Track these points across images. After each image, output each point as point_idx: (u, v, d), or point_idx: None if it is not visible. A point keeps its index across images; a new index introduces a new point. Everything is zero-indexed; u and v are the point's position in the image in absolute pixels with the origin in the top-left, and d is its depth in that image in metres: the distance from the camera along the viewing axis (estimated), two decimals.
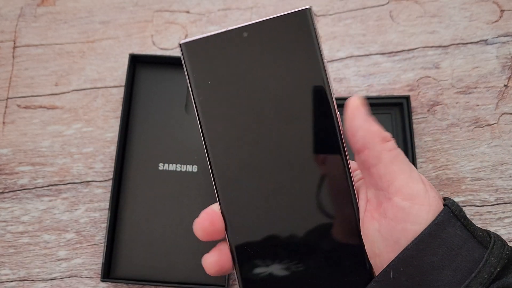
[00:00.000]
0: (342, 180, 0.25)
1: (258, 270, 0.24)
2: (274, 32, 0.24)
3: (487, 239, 0.23)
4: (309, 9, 0.24)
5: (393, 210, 0.23)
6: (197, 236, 0.26)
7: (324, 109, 0.24)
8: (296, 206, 0.24)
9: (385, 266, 0.23)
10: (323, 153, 0.24)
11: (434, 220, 0.22)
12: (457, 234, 0.22)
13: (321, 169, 0.24)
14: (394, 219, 0.23)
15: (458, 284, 0.21)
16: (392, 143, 0.24)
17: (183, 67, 0.24)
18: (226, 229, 0.25)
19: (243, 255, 0.24)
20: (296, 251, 0.24)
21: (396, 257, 0.23)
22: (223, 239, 0.26)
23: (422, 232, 0.22)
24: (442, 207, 0.23)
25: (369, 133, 0.23)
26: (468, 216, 0.36)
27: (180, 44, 0.24)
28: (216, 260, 0.25)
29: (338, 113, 0.25)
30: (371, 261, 0.25)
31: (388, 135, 0.24)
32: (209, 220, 0.25)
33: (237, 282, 0.26)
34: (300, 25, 0.24)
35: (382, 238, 0.23)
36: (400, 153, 0.24)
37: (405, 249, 0.22)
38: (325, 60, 0.24)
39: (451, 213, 0.23)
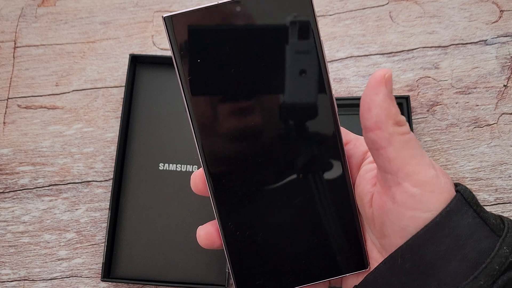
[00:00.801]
0: (336, 162, 0.24)
1: (250, 256, 0.24)
2: (271, 8, 0.23)
3: (501, 226, 0.22)
4: None
5: (402, 196, 0.22)
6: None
7: (319, 88, 0.23)
8: (288, 190, 0.24)
9: (388, 249, 0.23)
10: (316, 135, 0.24)
11: (445, 208, 0.21)
12: (467, 223, 0.21)
13: (313, 152, 0.24)
14: (403, 206, 0.22)
15: (465, 275, 0.21)
16: (405, 128, 0.22)
17: (168, 43, 0.23)
18: (214, 209, 0.24)
19: (235, 241, 0.24)
20: (289, 234, 0.24)
21: (404, 243, 0.22)
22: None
23: (432, 220, 0.21)
24: (454, 193, 0.22)
25: (385, 113, 0.22)
26: None
27: (163, 17, 0.22)
28: (208, 234, 0.25)
29: (333, 94, 0.24)
30: (381, 241, 0.24)
31: (402, 119, 0.22)
32: (200, 179, 0.25)
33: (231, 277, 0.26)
34: (298, 3, 0.22)
35: (389, 222, 0.23)
36: (412, 137, 0.23)
37: (413, 236, 0.22)
38: (321, 41, 0.23)
39: (463, 199, 0.22)
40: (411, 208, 0.22)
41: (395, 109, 0.22)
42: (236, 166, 0.24)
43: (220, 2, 0.22)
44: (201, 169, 0.25)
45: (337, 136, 0.24)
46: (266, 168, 0.24)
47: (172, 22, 0.22)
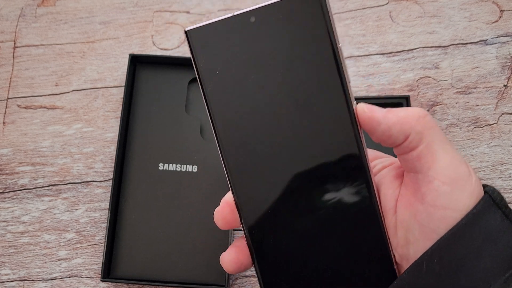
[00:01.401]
0: (360, 170, 0.23)
1: (278, 264, 0.24)
2: (283, 15, 0.22)
3: None
4: None
5: (433, 195, 0.21)
6: (217, 225, 0.25)
7: (338, 97, 0.23)
8: (311, 196, 0.23)
9: (418, 255, 0.22)
10: (338, 143, 0.23)
11: (472, 210, 0.21)
12: (497, 224, 0.21)
13: (337, 161, 0.23)
14: (433, 206, 0.21)
15: (498, 273, 0.20)
16: (431, 118, 0.22)
17: (190, 55, 0.23)
18: (241, 223, 0.24)
19: (262, 249, 0.24)
20: (316, 243, 0.23)
21: (430, 248, 0.21)
22: (241, 236, 0.25)
23: (459, 221, 0.21)
24: (483, 193, 0.21)
25: (402, 120, 0.21)
26: None
27: (185, 31, 0.23)
28: (234, 258, 0.24)
29: (354, 101, 0.23)
30: (403, 250, 0.23)
31: (421, 109, 0.22)
32: (229, 208, 0.24)
33: (256, 279, 0.25)
34: (312, 7, 0.22)
35: (418, 224, 0.22)
36: (440, 130, 0.22)
37: (440, 238, 0.21)
38: (339, 43, 0.23)
39: (492, 201, 0.21)
40: (442, 208, 0.21)
41: (401, 112, 0.22)
42: (265, 186, 0.23)
43: (235, 13, 0.23)
44: (227, 201, 0.24)
45: (361, 145, 0.23)
46: (295, 185, 0.23)
47: (191, 35, 0.23)
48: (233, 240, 0.41)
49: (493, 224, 0.21)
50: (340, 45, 0.23)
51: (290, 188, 0.23)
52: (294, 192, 0.23)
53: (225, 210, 0.24)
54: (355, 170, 0.23)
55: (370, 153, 0.25)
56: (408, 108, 0.22)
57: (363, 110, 0.22)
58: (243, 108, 0.23)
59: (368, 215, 0.23)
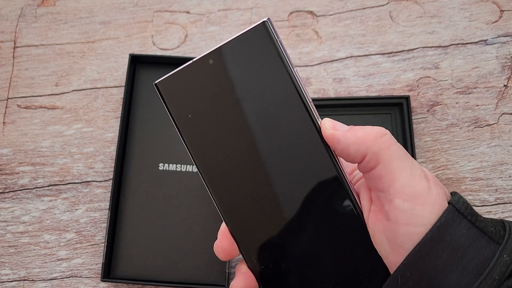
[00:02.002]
0: (338, 183, 0.24)
1: (281, 283, 0.25)
2: (238, 53, 0.24)
3: (501, 233, 0.21)
4: (266, 21, 0.24)
5: (395, 212, 0.22)
6: (219, 257, 0.26)
7: (302, 116, 0.24)
8: (298, 215, 0.24)
9: (393, 268, 0.22)
10: (312, 159, 0.24)
11: (435, 223, 0.21)
12: (462, 234, 0.21)
13: (314, 177, 0.24)
14: (396, 222, 0.22)
15: (469, 283, 0.20)
16: (388, 137, 0.23)
17: (163, 105, 0.25)
18: (241, 252, 0.25)
19: (263, 272, 0.25)
20: (311, 260, 0.24)
21: (401, 263, 0.22)
22: (241, 261, 0.26)
23: (424, 236, 0.21)
24: (447, 205, 0.22)
25: (359, 141, 0.22)
26: None
27: (155, 84, 0.25)
28: (244, 285, 0.25)
29: (317, 115, 0.24)
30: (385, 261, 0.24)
31: (379, 129, 0.23)
32: (227, 240, 0.25)
33: None
34: (261, 40, 0.24)
35: (387, 240, 0.23)
36: (398, 148, 0.22)
37: (409, 254, 0.21)
38: (294, 68, 0.24)
39: (456, 211, 0.21)
40: (404, 224, 0.21)
41: (360, 130, 0.23)
42: (255, 213, 0.25)
43: (194, 59, 0.25)
44: (223, 232, 0.25)
45: (334, 158, 0.24)
46: (282, 207, 0.25)
47: (160, 87, 0.25)
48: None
49: (458, 234, 0.21)
50: (295, 68, 0.24)
51: (279, 210, 0.24)
52: (283, 213, 0.24)
53: (224, 243, 0.25)
54: (334, 184, 0.24)
55: (348, 164, 0.26)
56: (367, 127, 0.23)
57: (325, 127, 0.24)
58: (221, 143, 0.25)
59: (354, 224, 0.24)
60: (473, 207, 0.43)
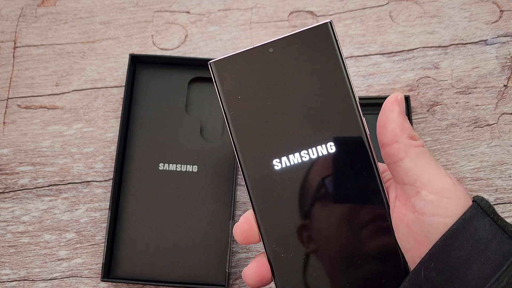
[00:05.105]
0: (372, 179, 0.25)
1: (296, 277, 0.25)
2: (299, 46, 0.25)
3: None
4: (330, 22, 0.25)
5: (421, 203, 0.23)
6: (236, 240, 0.26)
7: (350, 118, 0.25)
8: (327, 208, 0.25)
9: (416, 261, 0.23)
10: (352, 156, 0.25)
11: (462, 216, 0.22)
12: (485, 229, 0.22)
13: (351, 172, 0.25)
14: (423, 213, 0.23)
15: (488, 277, 0.21)
16: (420, 141, 0.24)
17: (214, 85, 0.25)
18: (262, 238, 0.25)
19: (281, 263, 0.25)
20: (331, 254, 0.25)
21: (426, 254, 0.22)
22: (261, 252, 0.26)
23: (450, 227, 0.22)
24: (471, 202, 0.23)
25: (400, 127, 0.24)
26: None
27: (209, 63, 0.25)
28: (256, 272, 0.25)
29: (363, 119, 0.25)
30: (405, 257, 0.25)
31: (416, 134, 0.24)
32: (248, 224, 0.26)
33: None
34: (323, 39, 0.25)
35: (412, 233, 0.23)
36: (426, 150, 0.24)
37: (434, 245, 0.22)
38: (349, 72, 0.25)
39: (480, 208, 0.22)
40: (431, 214, 0.23)
41: (409, 125, 0.24)
42: (284, 202, 0.25)
43: (255, 45, 0.25)
44: (246, 217, 0.26)
45: (373, 156, 0.25)
46: (313, 201, 0.25)
47: (215, 66, 0.25)
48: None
49: (481, 229, 0.22)
50: (349, 70, 0.25)
51: (308, 204, 0.25)
52: (312, 207, 0.25)
53: (244, 226, 0.26)
54: (369, 183, 0.25)
55: (381, 166, 0.27)
56: (410, 127, 0.25)
57: (393, 97, 0.25)
58: (264, 130, 0.25)
59: (381, 224, 0.25)
60: None
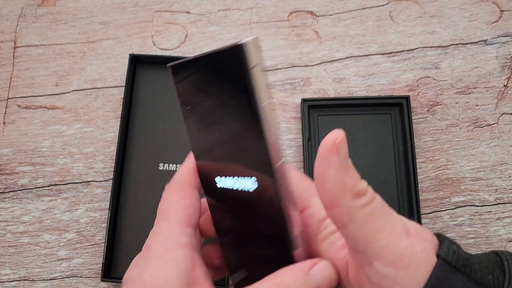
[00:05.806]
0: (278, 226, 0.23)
1: (232, 254, 0.29)
2: (216, 66, 0.22)
3: (499, 279, 0.19)
4: (243, 45, 0.20)
5: (376, 277, 0.19)
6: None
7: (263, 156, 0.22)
8: (246, 226, 0.27)
9: None
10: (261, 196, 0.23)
11: (426, 285, 0.18)
12: None
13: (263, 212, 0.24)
14: (380, 287, 0.19)
15: None
16: (366, 198, 0.19)
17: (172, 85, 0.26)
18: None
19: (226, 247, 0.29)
20: (242, 240, 0.27)
21: None
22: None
23: None
24: (435, 259, 0.19)
25: (341, 187, 0.19)
26: (467, 216, 0.35)
27: (167, 66, 0.26)
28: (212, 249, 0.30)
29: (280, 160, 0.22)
30: None
31: (363, 187, 0.19)
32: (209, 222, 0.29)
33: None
34: (232, 64, 0.21)
35: None
36: (376, 206, 0.19)
37: None
38: (262, 101, 0.20)
39: (447, 265, 0.19)
40: None
41: (352, 178, 0.19)
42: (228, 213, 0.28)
43: (205, 52, 0.23)
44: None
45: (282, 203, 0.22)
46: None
47: (171, 70, 0.26)
48: None
49: None
50: (263, 104, 0.20)
51: (236, 218, 0.27)
52: (237, 220, 0.27)
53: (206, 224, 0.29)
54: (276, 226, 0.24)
55: (306, 186, 0.24)
56: (354, 180, 0.19)
57: (329, 144, 0.19)
58: (205, 143, 0.27)
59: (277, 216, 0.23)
60: (473, 207, 0.43)
